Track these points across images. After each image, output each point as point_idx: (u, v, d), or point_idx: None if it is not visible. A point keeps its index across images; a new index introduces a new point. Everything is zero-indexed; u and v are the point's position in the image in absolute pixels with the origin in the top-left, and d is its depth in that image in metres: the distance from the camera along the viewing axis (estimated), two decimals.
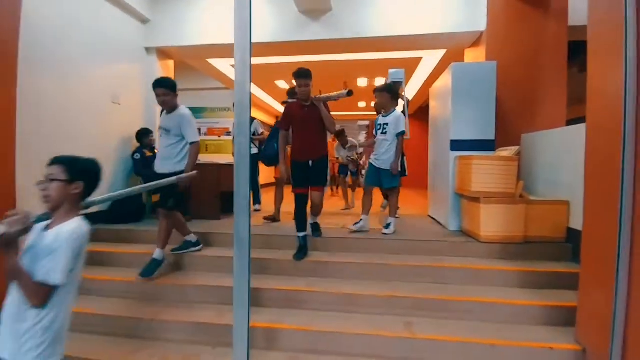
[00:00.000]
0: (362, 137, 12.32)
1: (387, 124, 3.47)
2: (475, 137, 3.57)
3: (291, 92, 3.50)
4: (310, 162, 3.07)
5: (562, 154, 3.11)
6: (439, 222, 4.10)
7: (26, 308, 1.19)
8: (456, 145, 3.62)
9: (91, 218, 3.91)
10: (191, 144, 2.96)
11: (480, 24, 4.10)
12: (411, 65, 6.49)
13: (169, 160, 2.97)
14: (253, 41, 4.93)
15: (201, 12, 4.60)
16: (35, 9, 3.06)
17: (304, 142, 3.09)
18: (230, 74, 6.61)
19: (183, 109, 3.00)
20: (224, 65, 6.33)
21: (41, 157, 3.24)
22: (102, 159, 4.03)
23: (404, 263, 2.90)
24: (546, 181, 3.38)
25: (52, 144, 3.22)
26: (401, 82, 4.18)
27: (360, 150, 6.33)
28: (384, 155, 3.46)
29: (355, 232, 3.43)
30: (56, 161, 1.38)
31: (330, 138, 5.09)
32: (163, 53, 4.97)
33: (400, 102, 4.08)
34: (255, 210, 4.83)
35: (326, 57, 5.73)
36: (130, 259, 3.21)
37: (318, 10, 4.38)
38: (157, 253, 2.89)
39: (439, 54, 5.58)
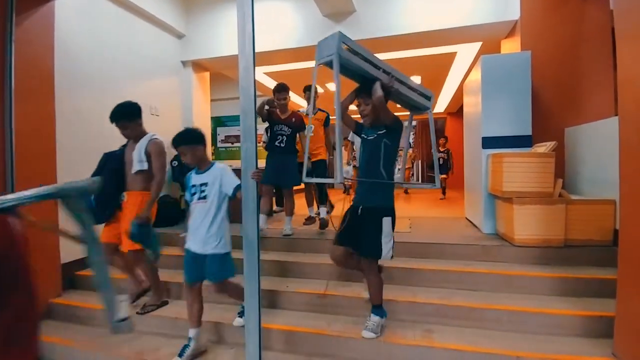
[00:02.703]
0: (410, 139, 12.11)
1: None
2: (509, 133, 3.34)
3: (270, 102, 3.64)
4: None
5: (608, 148, 2.80)
6: (474, 225, 3.88)
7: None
8: (488, 142, 3.40)
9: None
10: None
11: (513, 12, 3.83)
12: (446, 62, 6.23)
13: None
14: (282, 48, 5.05)
15: (232, 24, 4.79)
16: (73, 30, 3.36)
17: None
18: (264, 81, 6.82)
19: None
20: (257, 73, 6.54)
21: (80, 170, 3.62)
22: None
23: (429, 267, 2.78)
24: (592, 179, 3.06)
25: (91, 158, 3.53)
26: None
27: None
28: None
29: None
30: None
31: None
32: (198, 65, 5.26)
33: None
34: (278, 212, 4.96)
35: None
36: (165, 261, 3.43)
37: (341, 13, 4.38)
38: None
39: (474, 47, 5.29)
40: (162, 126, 4.67)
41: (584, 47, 3.51)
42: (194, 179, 2.21)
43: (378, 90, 2.05)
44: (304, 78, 7.23)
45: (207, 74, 5.59)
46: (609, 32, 3.42)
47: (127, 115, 2.68)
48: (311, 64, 5.85)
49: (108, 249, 2.64)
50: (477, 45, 5.18)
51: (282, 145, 3.54)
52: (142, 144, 2.69)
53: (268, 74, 6.70)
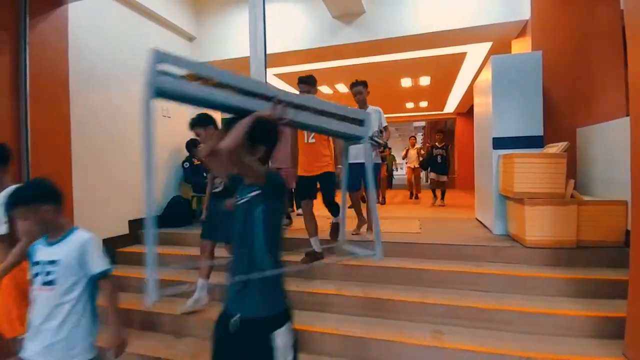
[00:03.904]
0: (419, 140, 11.97)
1: None
2: (520, 133, 3.31)
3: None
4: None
5: (619, 149, 2.76)
6: (484, 225, 3.86)
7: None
8: (499, 142, 3.38)
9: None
10: None
11: (523, 12, 3.81)
12: (456, 62, 6.20)
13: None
14: (291, 49, 5.08)
15: (242, 26, 4.86)
16: (86, 32, 3.43)
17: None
18: (274, 82, 6.88)
19: None
20: (267, 75, 6.60)
21: (92, 169, 3.69)
22: (154, 167, 4.36)
23: (439, 268, 2.78)
24: (604, 180, 3.03)
25: (103, 157, 3.61)
26: None
27: None
28: None
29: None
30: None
31: None
32: None
33: None
34: (299, 215, 4.95)
35: (367, 60, 5.71)
36: (179, 260, 3.50)
37: (351, 14, 4.40)
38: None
39: (484, 47, 5.26)
40: (173, 128, 4.75)
41: (595, 46, 3.47)
42: (40, 252, 1.44)
43: (203, 150, 1.47)
44: (318, 79, 7.30)
45: None
46: (620, 31, 3.38)
47: None
48: (321, 65, 5.94)
49: None
50: (487, 46, 5.15)
51: None
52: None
53: (278, 75, 6.75)
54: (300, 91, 3.23)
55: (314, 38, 4.63)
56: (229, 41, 4.94)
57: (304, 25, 4.65)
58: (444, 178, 6.29)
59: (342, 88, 7.92)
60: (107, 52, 3.73)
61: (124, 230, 3.88)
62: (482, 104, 3.91)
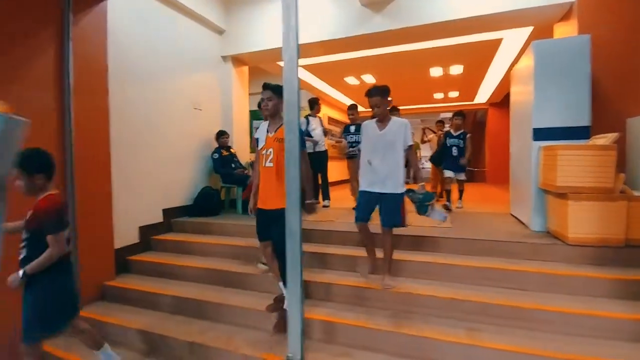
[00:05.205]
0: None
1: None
2: (564, 124, 3.11)
3: None
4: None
5: None
6: (521, 222, 3.68)
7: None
8: (540, 134, 3.19)
9: (179, 211, 4.47)
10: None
11: None
12: (490, 49, 5.90)
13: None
14: (319, 40, 5.02)
15: (271, 17, 4.86)
16: (123, 27, 3.52)
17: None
18: (301, 74, 6.84)
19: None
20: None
21: (128, 160, 3.82)
22: (184, 159, 4.59)
23: (472, 264, 2.69)
24: None
25: (138, 148, 3.73)
26: None
27: None
28: None
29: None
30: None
31: None
32: (238, 60, 5.37)
33: None
34: (324, 206, 4.95)
35: (394, 49, 5.55)
36: (207, 248, 3.59)
37: (380, 1, 4.26)
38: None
39: (523, 32, 4.96)
40: (204, 120, 4.85)
41: None
42: None
43: None
44: (340, 70, 7.21)
45: (245, 68, 5.70)
46: None
47: None
48: (347, 55, 5.83)
49: None
50: (526, 31, 4.85)
51: None
52: None
53: (304, 66, 6.71)
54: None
55: (341, 27, 4.52)
56: (257, 33, 4.94)
57: (331, 15, 4.55)
58: (462, 176, 4.79)
59: (370, 79, 7.77)
60: (142, 47, 3.82)
61: (158, 218, 4.02)
62: (521, 93, 3.70)
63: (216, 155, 4.71)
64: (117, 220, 3.36)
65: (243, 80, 5.61)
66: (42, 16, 2.78)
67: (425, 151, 8.32)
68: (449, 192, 4.76)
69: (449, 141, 4.85)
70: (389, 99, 2.69)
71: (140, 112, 3.79)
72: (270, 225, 2.32)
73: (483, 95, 9.46)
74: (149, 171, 3.87)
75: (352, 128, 4.66)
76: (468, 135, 4.77)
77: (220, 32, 5.08)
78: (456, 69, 7.08)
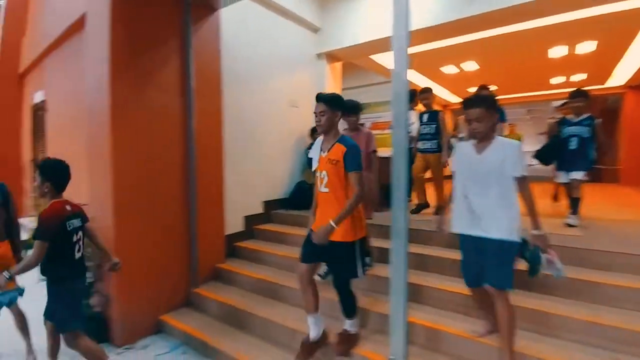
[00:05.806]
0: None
1: None
2: None
3: None
4: None
5: None
6: None
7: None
8: None
9: (276, 203, 4.69)
10: None
11: None
12: (634, 20, 4.76)
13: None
14: (414, 28, 4.69)
15: (365, 12, 4.76)
16: (230, 33, 3.78)
17: None
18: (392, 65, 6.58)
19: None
20: (385, 59, 6.34)
21: (237, 156, 4.14)
22: (282, 156, 4.78)
23: (614, 282, 2.22)
24: None
25: (245, 146, 4.05)
26: None
27: None
28: None
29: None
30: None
31: None
32: (331, 56, 5.42)
33: None
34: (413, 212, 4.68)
35: (502, 30, 4.91)
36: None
37: None
38: None
39: None
40: (299, 117, 5.02)
41: None
42: None
43: None
44: (437, 58, 6.72)
45: (339, 64, 5.72)
46: None
47: None
48: (445, 42, 5.35)
49: None
50: None
51: None
52: None
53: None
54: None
55: (440, 13, 4.16)
56: (350, 28, 4.90)
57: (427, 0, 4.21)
58: (579, 175, 3.38)
59: (472, 66, 7.09)
60: (246, 51, 4.11)
61: (259, 209, 4.33)
62: None
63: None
64: (227, 210, 3.71)
65: (336, 76, 5.64)
66: (168, 26, 3.15)
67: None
68: (575, 201, 3.43)
69: (567, 130, 3.51)
70: (496, 113, 1.96)
71: (246, 111, 4.11)
72: (323, 255, 2.16)
73: (620, 76, 7.81)
74: (253, 166, 4.20)
75: (425, 117, 4.12)
76: (597, 121, 3.42)
77: (315, 30, 5.18)
78: (586, 47, 5.94)
